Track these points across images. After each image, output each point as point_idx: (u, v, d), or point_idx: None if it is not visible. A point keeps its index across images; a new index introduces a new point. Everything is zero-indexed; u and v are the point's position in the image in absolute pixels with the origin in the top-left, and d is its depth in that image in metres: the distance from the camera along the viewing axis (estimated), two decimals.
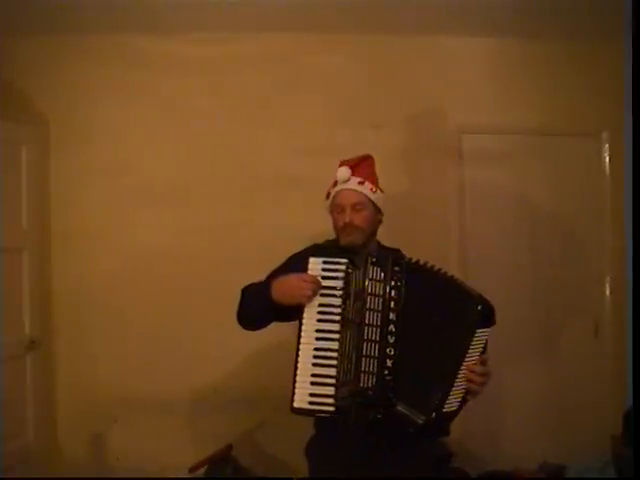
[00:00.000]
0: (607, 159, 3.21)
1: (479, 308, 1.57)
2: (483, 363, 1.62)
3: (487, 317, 1.60)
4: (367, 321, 1.62)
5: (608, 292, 3.20)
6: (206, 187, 3.04)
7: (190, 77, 3.05)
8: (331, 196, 1.88)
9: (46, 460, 2.89)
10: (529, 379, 3.14)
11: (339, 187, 1.85)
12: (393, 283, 1.63)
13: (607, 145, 3.20)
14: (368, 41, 3.09)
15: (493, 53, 3.19)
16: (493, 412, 3.10)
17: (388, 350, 1.61)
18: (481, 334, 1.59)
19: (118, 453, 2.97)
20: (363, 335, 1.62)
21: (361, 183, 1.86)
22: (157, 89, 3.04)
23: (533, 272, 3.19)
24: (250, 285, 1.86)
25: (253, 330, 1.86)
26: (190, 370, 2.96)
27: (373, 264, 1.64)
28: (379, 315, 1.62)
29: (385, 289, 1.63)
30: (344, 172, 1.85)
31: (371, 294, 1.63)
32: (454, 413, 1.63)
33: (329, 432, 1.74)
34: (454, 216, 3.14)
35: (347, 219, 1.81)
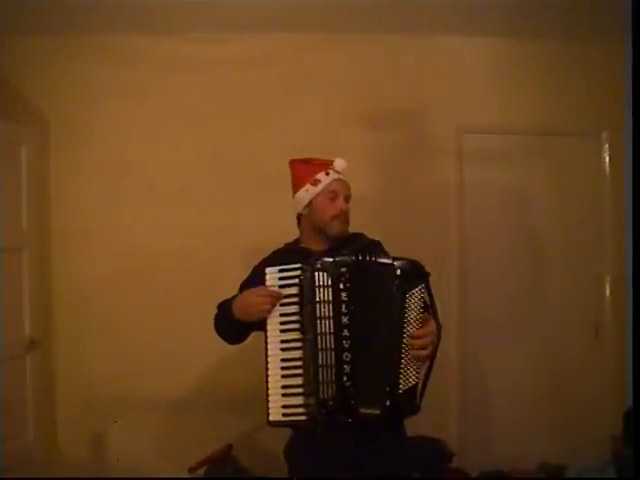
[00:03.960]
0: (607, 159, 3.21)
1: (397, 273, 1.56)
2: (423, 323, 1.59)
3: (414, 275, 1.59)
4: (320, 330, 1.59)
5: (608, 292, 3.20)
6: (206, 187, 3.04)
7: (190, 77, 3.05)
8: (322, 183, 1.83)
9: (46, 460, 2.89)
10: (529, 379, 3.14)
11: (335, 175, 1.85)
12: (342, 285, 1.60)
13: (607, 145, 3.20)
14: (368, 41, 3.09)
15: (493, 53, 3.19)
16: (493, 412, 3.11)
17: (344, 356, 1.58)
18: (413, 295, 1.58)
19: (118, 453, 2.98)
20: (317, 345, 1.59)
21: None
22: (157, 89, 3.04)
23: (533, 272, 3.19)
24: (223, 302, 1.85)
25: (234, 344, 1.87)
26: (190, 370, 2.96)
27: (319, 270, 1.60)
28: (331, 321, 1.59)
29: (334, 293, 1.60)
30: (343, 163, 1.87)
31: (320, 301, 1.60)
32: (415, 387, 1.59)
33: (306, 434, 1.72)
34: (454, 216, 3.14)
35: (344, 206, 1.81)
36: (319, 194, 1.83)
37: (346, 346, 1.58)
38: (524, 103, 3.14)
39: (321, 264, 1.61)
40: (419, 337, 1.57)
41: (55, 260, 3.03)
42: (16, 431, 2.75)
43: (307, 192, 1.85)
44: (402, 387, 1.57)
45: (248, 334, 1.81)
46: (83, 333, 3.00)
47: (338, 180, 1.84)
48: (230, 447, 2.75)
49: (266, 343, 1.65)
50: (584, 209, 3.21)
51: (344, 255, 1.63)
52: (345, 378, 1.58)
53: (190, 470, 2.62)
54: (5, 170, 2.74)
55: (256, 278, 1.74)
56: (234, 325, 1.74)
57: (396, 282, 1.58)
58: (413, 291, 1.58)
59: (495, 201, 3.19)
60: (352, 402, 1.58)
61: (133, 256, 3.00)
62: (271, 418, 1.62)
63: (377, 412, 1.57)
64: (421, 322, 1.59)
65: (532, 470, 2.95)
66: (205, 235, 3.00)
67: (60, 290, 3.03)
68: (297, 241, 1.92)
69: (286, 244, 1.93)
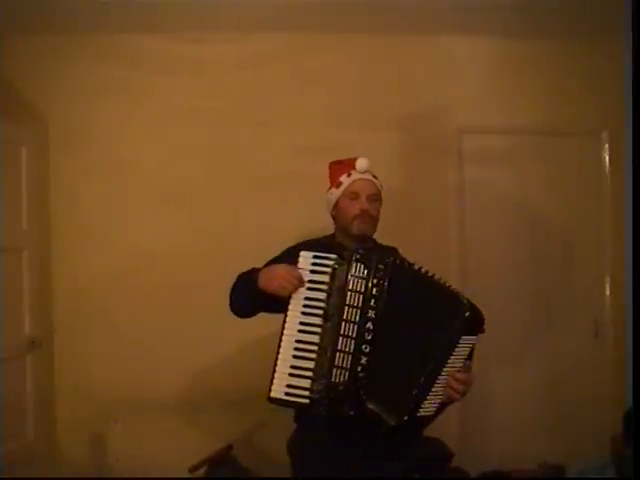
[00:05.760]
0: (607, 159, 3.21)
1: (466, 315, 1.55)
2: (466, 370, 1.61)
3: (475, 325, 1.59)
4: (345, 317, 1.62)
5: (608, 292, 3.20)
6: (206, 187, 3.04)
7: (189, 77, 3.04)
8: (344, 185, 1.88)
9: (46, 460, 2.89)
10: (529, 379, 3.14)
11: (357, 176, 1.88)
12: (376, 281, 1.62)
13: (607, 145, 3.20)
14: (368, 41, 3.09)
15: (493, 53, 3.19)
16: (493, 412, 3.10)
17: (363, 347, 1.61)
18: (466, 341, 1.58)
19: (118, 453, 2.97)
20: (340, 330, 1.62)
21: (375, 177, 1.92)
22: (157, 89, 3.04)
23: (533, 272, 3.19)
24: (246, 271, 1.85)
25: (242, 317, 1.86)
26: (190, 370, 2.96)
27: (357, 260, 1.63)
28: (358, 311, 1.62)
29: (367, 286, 1.62)
30: (364, 162, 1.89)
31: (352, 290, 1.62)
32: (429, 418, 1.62)
33: (309, 427, 1.74)
34: (454, 216, 3.14)
35: (365, 206, 1.83)
36: (341, 195, 1.88)
37: (367, 338, 1.61)
38: (524, 103, 3.14)
39: (360, 255, 1.64)
40: (460, 380, 1.59)
41: (55, 260, 3.03)
42: (16, 431, 2.75)
43: (332, 195, 1.91)
44: (422, 412, 1.59)
45: (259, 310, 1.82)
46: (83, 333, 3.00)
47: (360, 180, 1.88)
48: (230, 447, 2.75)
49: (284, 322, 1.66)
50: (584, 209, 3.21)
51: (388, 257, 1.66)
52: (359, 368, 1.60)
53: (190, 470, 2.62)
54: (5, 170, 2.73)
55: (288, 258, 1.76)
56: (251, 292, 1.73)
57: (459, 320, 1.56)
58: (470, 337, 1.59)
59: (495, 201, 3.19)
60: (362, 393, 1.59)
61: (133, 256, 2.99)
62: (272, 394, 1.63)
63: (391, 422, 1.58)
64: (462, 368, 1.60)
65: (532, 470, 2.95)
66: (205, 235, 3.00)
67: (60, 290, 3.02)
68: (333, 236, 1.95)
69: (324, 236, 1.95)
